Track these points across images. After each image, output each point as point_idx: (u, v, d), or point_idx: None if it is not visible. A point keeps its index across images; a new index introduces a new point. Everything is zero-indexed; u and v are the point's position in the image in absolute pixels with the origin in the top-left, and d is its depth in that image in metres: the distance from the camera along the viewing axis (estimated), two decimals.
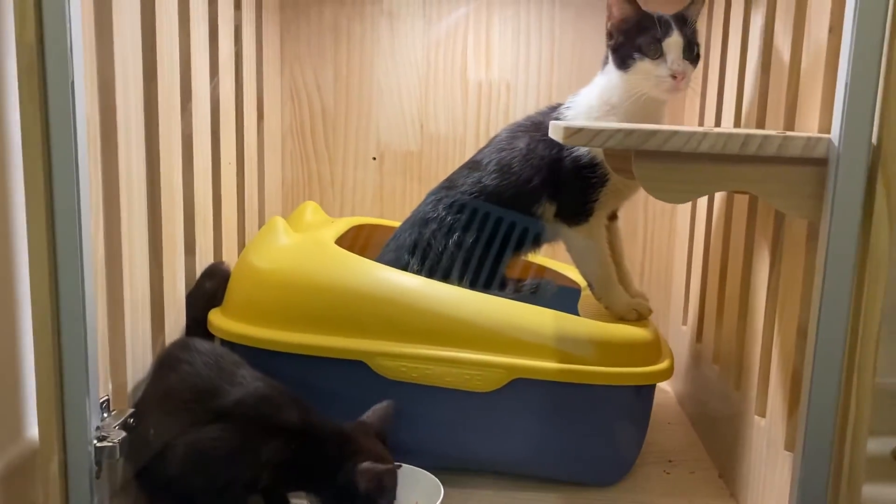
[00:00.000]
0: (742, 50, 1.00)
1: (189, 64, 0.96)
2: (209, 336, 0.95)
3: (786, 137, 0.65)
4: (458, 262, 1.01)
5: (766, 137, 0.65)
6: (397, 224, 1.14)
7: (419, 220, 1.05)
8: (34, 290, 0.69)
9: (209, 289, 0.99)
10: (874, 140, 0.63)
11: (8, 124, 0.81)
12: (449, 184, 1.07)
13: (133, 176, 0.83)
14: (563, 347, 0.88)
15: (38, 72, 0.64)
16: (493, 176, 1.02)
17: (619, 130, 0.65)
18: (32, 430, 0.92)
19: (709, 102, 1.15)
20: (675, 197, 0.69)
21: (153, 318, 0.90)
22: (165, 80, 0.89)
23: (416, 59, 1.33)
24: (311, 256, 0.96)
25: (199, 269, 1.02)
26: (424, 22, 1.32)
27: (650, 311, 1.01)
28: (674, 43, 0.91)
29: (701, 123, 1.20)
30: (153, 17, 0.86)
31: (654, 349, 0.95)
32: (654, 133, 0.65)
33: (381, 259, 1.05)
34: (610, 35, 0.96)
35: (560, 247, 1.05)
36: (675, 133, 0.65)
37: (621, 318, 0.98)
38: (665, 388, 1.32)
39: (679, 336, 1.27)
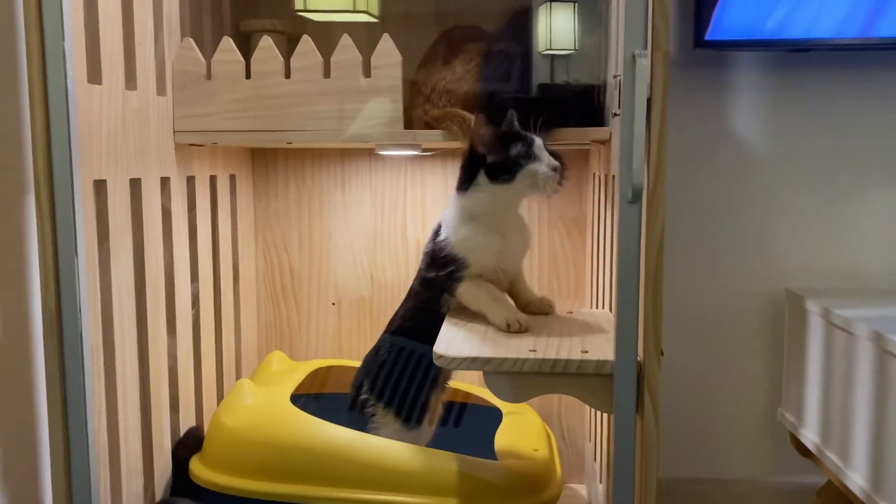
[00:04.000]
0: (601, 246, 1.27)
1: (172, 256, 1.25)
2: (191, 483, 1.21)
3: (582, 361, 0.91)
4: (395, 397, 1.25)
5: (568, 361, 0.91)
6: (351, 363, 1.40)
7: (364, 361, 1.30)
8: (54, 464, 0.95)
9: (184, 455, 1.25)
10: (640, 359, 0.89)
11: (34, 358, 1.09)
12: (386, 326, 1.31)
13: (126, 364, 1.10)
14: (466, 485, 1.13)
15: (57, 333, 0.91)
16: (409, 301, 1.26)
17: (466, 358, 0.93)
18: None
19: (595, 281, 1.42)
20: (514, 398, 0.95)
21: (145, 472, 1.17)
22: (152, 276, 1.17)
23: (365, 222, 1.61)
24: (266, 416, 1.22)
25: (183, 422, 1.29)
26: (371, 193, 1.60)
27: (528, 326, 1.09)
28: (539, 145, 1.13)
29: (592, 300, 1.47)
30: (141, 227, 1.14)
31: (541, 482, 1.20)
32: (490, 360, 0.92)
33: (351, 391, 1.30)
34: (481, 158, 1.12)
35: None
36: (506, 359, 0.92)
37: (507, 330, 1.08)
38: (582, 492, 1.57)
39: (589, 450, 1.52)
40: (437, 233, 1.21)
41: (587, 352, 0.94)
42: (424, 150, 1.42)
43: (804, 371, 1.37)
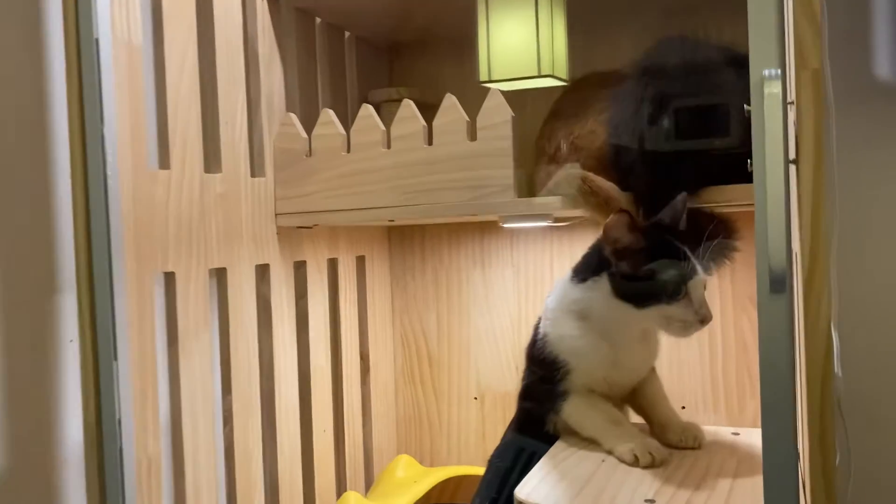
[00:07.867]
0: None
1: (271, 351, 1.13)
2: None
3: None
4: None
5: None
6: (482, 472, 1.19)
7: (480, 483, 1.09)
8: None
9: None
10: None
11: None
12: None
13: (202, 477, 0.98)
14: None
15: (97, 443, 0.82)
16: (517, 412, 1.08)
17: None
18: None
19: None
20: None
21: None
22: (242, 375, 1.06)
23: (507, 306, 1.41)
24: None
25: None
26: (513, 271, 1.40)
27: (664, 458, 0.84)
28: (699, 282, 0.82)
29: None
30: (227, 322, 1.04)
31: None
32: None
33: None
34: (607, 262, 0.88)
35: None
36: None
37: (635, 464, 0.84)
38: None
39: None
40: (537, 327, 0.98)
41: None
42: (557, 220, 1.20)
43: None
